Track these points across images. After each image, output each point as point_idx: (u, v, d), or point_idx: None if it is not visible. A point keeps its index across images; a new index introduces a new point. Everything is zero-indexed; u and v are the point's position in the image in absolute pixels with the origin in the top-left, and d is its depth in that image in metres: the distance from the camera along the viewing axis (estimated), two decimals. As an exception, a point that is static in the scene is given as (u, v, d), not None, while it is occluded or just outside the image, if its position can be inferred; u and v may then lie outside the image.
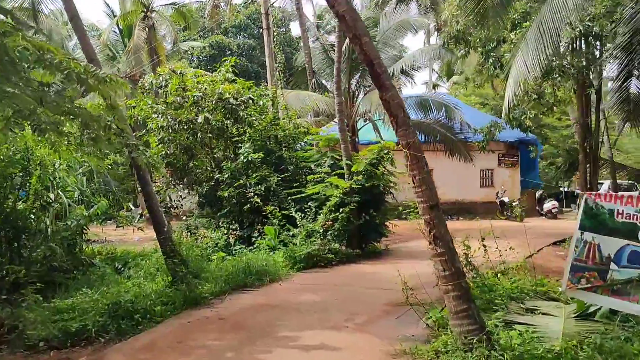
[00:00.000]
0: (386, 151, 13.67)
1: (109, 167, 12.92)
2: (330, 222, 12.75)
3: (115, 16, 29.59)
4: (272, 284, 9.98)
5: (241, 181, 13.40)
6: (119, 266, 12.38)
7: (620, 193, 5.03)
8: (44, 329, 6.68)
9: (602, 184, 21.54)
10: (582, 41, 14.27)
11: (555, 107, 16.92)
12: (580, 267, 5.12)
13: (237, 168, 13.73)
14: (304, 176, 14.62)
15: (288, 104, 17.19)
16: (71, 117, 7.49)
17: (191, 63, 31.71)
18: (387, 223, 14.39)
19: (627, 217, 4.89)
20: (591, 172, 16.46)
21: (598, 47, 15.11)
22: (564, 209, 29.78)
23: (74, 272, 10.35)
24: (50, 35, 21.68)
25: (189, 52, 34.01)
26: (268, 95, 15.70)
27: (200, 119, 13.62)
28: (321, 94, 20.60)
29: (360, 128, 21.08)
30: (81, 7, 10.92)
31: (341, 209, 12.63)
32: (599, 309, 6.41)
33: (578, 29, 11.97)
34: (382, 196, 14.03)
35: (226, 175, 13.72)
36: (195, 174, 15.07)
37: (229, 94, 14.17)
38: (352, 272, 11.33)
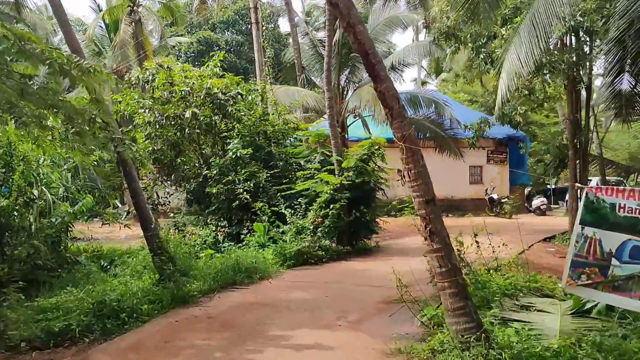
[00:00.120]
0: (377, 147, 13.53)
1: (95, 163, 12.71)
2: (321, 219, 12.60)
3: (101, 10, 29.13)
4: (262, 281, 9.79)
5: (230, 177, 13.21)
6: (105, 264, 12.20)
7: (621, 187, 4.90)
8: (26, 329, 6.46)
9: (590, 180, 21.59)
10: (573, 37, 14.19)
11: (545, 104, 16.81)
12: (580, 263, 4.98)
13: (225, 164, 13.52)
14: (293, 172, 14.46)
15: (277, 99, 16.99)
16: (54, 110, 7.28)
17: (178, 59, 31.27)
18: (377, 220, 14.24)
19: (629, 211, 4.76)
20: (581, 169, 16.43)
21: (588, 42, 15.04)
22: (552, 206, 29.93)
23: (59, 270, 10.16)
24: (34, 30, 21.29)
25: (176, 48, 33.61)
26: (257, 90, 15.49)
27: (188, 114, 13.39)
28: (310, 89, 20.41)
29: (350, 124, 20.93)
30: (66, 2, 10.66)
31: (331, 206, 12.48)
32: (596, 305, 6.31)
33: (569, 24, 11.86)
34: (373, 192, 13.90)
35: (214, 172, 13.50)
36: (183, 170, 14.83)
37: (218, 88, 13.95)
38: (343, 269, 11.18)
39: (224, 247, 12.48)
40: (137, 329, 6.89)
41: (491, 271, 8.65)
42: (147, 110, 13.95)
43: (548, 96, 16.60)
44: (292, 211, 12.95)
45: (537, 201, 26.52)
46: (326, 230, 12.47)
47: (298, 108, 18.98)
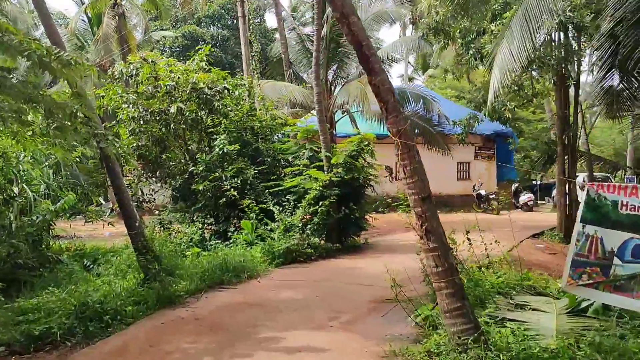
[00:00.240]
0: (366, 143, 13.36)
1: (77, 159, 12.46)
2: (309, 216, 12.41)
3: (83, 4, 28.57)
4: (250, 280, 9.56)
5: (216, 174, 12.95)
6: (88, 263, 11.94)
7: (624, 184, 4.75)
8: (5, 332, 6.22)
9: (577, 176, 21.64)
10: (562, 32, 14.13)
11: (534, 99, 16.77)
12: (581, 262, 4.82)
13: (212, 160, 13.26)
14: (281, 169, 14.24)
15: (264, 94, 16.73)
16: (34, 104, 7.00)
17: (163, 53, 30.79)
18: (366, 216, 14.08)
19: (632, 209, 4.61)
20: (569, 164, 16.44)
21: (576, 38, 15.00)
22: (538, 202, 30.03)
23: (40, 269, 9.92)
24: (15, 23, 20.82)
25: (160, 42, 33.07)
26: (244, 85, 15.21)
27: (173, 109, 13.07)
28: (298, 85, 20.17)
29: (338, 120, 20.74)
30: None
31: (320, 202, 12.28)
32: (591, 304, 6.20)
33: (559, 19, 11.78)
34: (362, 189, 13.73)
35: (201, 168, 13.23)
36: (169, 166, 14.52)
37: (204, 83, 13.66)
38: (333, 267, 10.99)
39: (211, 245, 12.24)
40: (121, 331, 6.64)
41: (482, 269, 8.54)
42: (131, 106, 13.61)
43: (536, 92, 16.58)
44: (281, 208, 12.75)
45: (525, 197, 26.55)
46: (315, 227, 12.28)
47: (285, 103, 18.76)
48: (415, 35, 24.22)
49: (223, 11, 37.41)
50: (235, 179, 12.86)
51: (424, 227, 5.16)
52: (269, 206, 12.70)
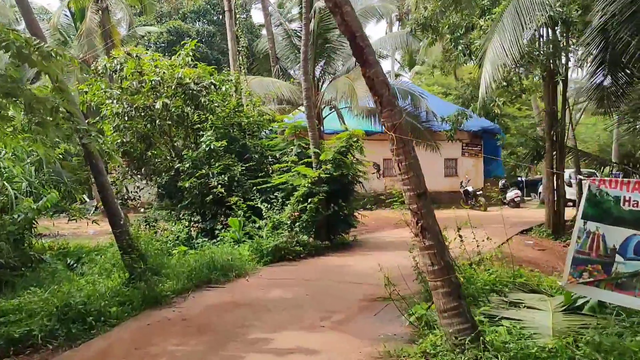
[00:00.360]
0: (355, 139, 13.20)
1: (60, 156, 12.20)
2: (298, 213, 12.23)
3: (66, -2, 28.05)
4: (239, 279, 9.36)
5: (203, 171, 12.72)
6: (72, 262, 11.67)
7: (626, 179, 4.62)
8: (-16, 335, 5.95)
9: (563, 173, 21.70)
10: (551, 28, 14.08)
11: (523, 95, 16.75)
12: (582, 260, 4.68)
13: (198, 157, 13.02)
14: (269, 165, 14.04)
15: (251, 90, 16.51)
16: (13, 99, 6.75)
17: (148, 49, 30.38)
18: (355, 213, 13.94)
19: (635, 205, 4.47)
20: (557, 160, 16.44)
21: (565, 34, 14.97)
22: (525, 198, 30.14)
23: (22, 269, 9.63)
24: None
25: (145, 38, 32.64)
26: (231, 80, 14.96)
27: (158, 105, 12.82)
28: (285, 81, 19.97)
29: (326, 117, 20.62)
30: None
31: (309, 200, 12.11)
32: (587, 301, 6.10)
33: (549, 14, 11.72)
34: (351, 186, 13.58)
35: (187, 165, 12.98)
36: (154, 163, 14.24)
37: (190, 78, 13.40)
38: (322, 265, 10.83)
39: (198, 243, 12.00)
40: (105, 334, 6.39)
41: (474, 266, 8.44)
42: (115, 101, 13.31)
43: (524, 88, 16.55)
44: (269, 205, 12.54)
45: (512, 193, 26.63)
46: (304, 225, 12.11)
47: (273, 100, 18.55)
48: (403, 32, 24.17)
49: (209, 6, 37.02)
50: (222, 176, 12.65)
51: (419, 224, 5.01)
52: (257, 203, 12.50)
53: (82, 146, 8.31)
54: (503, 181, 29.60)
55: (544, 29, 14.70)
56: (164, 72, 13.31)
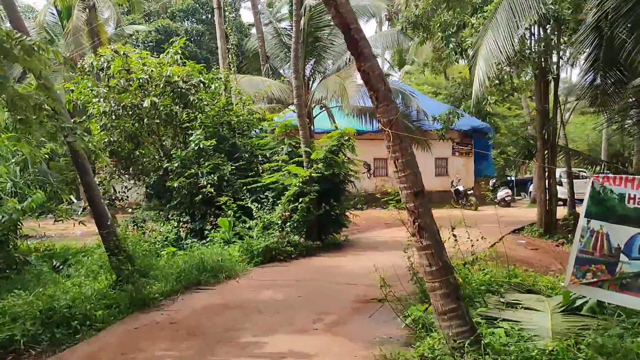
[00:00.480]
0: (346, 138, 13.04)
1: (46, 156, 11.95)
2: (289, 213, 12.05)
3: (52, -5, 27.62)
4: (229, 281, 9.15)
5: (192, 170, 12.50)
6: (58, 264, 11.39)
7: (632, 176, 4.47)
8: (-36, 341, 5.71)
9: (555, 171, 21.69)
10: (544, 25, 14.00)
11: (515, 93, 16.68)
12: (586, 260, 4.53)
13: (187, 156, 12.79)
14: (259, 165, 13.84)
15: (241, 89, 16.29)
16: (-6, 96, 6.51)
17: (136, 48, 30.05)
18: (347, 213, 13.77)
19: (640, 203, 4.36)
20: (549, 159, 16.40)
21: (556, 32, 14.91)
22: (515, 197, 30.17)
23: (7, 271, 9.43)
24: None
25: (133, 37, 32.26)
26: (220, 79, 14.73)
27: (146, 103, 12.58)
28: (275, 79, 19.78)
29: (316, 116, 20.45)
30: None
31: (300, 199, 11.93)
32: (586, 302, 5.97)
33: (541, 12, 11.63)
34: (343, 185, 13.42)
35: (176, 164, 12.75)
36: (142, 163, 13.99)
37: (178, 77, 13.16)
38: (314, 266, 10.65)
39: (187, 244, 11.77)
40: (91, 338, 6.16)
41: (467, 265, 8.32)
42: (102, 100, 13.05)
43: (515, 87, 16.49)
44: (259, 205, 12.35)
45: (502, 193, 26.61)
46: (295, 224, 11.94)
47: (263, 99, 18.36)
48: (392, 31, 24.03)
49: (197, 5, 36.73)
50: (212, 176, 12.43)
51: (416, 223, 4.85)
52: (247, 203, 12.30)
53: (67, 145, 8.07)
54: (493, 180, 29.60)
55: (536, 27, 14.65)
56: (152, 70, 13.07)
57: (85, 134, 8.21)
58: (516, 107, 35.06)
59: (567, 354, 4.73)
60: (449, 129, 18.95)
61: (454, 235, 7.61)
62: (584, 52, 10.80)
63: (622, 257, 4.39)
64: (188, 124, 13.23)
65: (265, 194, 12.70)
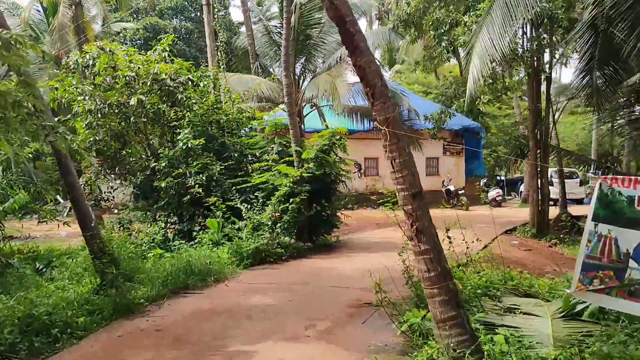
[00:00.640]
0: (338, 137, 12.80)
1: (30, 156, 11.65)
2: (279, 214, 11.80)
3: (37, -8, 27.09)
4: (217, 284, 8.86)
5: (180, 170, 12.20)
6: (41, 266, 11.05)
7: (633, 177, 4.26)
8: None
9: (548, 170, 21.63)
10: (537, 24, 13.86)
11: (509, 92, 16.54)
12: (593, 266, 4.31)
13: (175, 156, 12.48)
14: (249, 164, 13.56)
15: (230, 87, 16.00)
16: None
17: (123, 46, 29.61)
18: (338, 214, 13.54)
19: (650, 205, 4.14)
20: (541, 159, 16.28)
21: (549, 31, 14.78)
22: (505, 197, 30.13)
23: (-12, 274, 9.03)
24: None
25: (121, 35, 31.81)
26: (209, 77, 14.43)
27: (133, 101, 12.24)
28: (265, 77, 19.51)
29: (306, 115, 20.21)
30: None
31: (291, 199, 11.68)
32: (587, 307, 5.78)
33: (535, 10, 11.48)
34: (334, 185, 13.19)
35: (163, 164, 12.44)
36: (129, 162, 13.65)
37: (166, 74, 12.84)
38: (306, 268, 10.39)
39: (175, 245, 11.48)
40: (72, 347, 5.86)
41: (461, 267, 8.13)
42: (87, 98, 12.70)
43: (507, 86, 16.36)
44: (249, 206, 12.09)
45: (493, 193, 26.54)
46: (285, 225, 11.69)
47: (252, 97, 18.07)
48: (383, 29, 23.83)
49: (186, 3, 36.34)
50: (200, 176, 12.14)
51: (414, 226, 4.62)
52: (236, 204, 12.03)
53: (49, 144, 7.78)
54: (485, 180, 29.54)
55: (528, 26, 14.51)
56: (138, 68, 12.75)
57: (68, 133, 7.92)
58: (506, 106, 35.07)
59: (572, 363, 4.54)
60: (440, 128, 18.79)
61: (448, 237, 7.42)
62: (579, 51, 10.64)
63: (631, 263, 4.17)
64: (176, 123, 12.91)
65: (255, 194, 12.44)
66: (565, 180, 19.41)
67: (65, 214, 15.12)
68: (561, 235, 15.95)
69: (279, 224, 11.68)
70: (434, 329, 4.86)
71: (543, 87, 16.65)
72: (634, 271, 4.13)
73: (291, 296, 7.95)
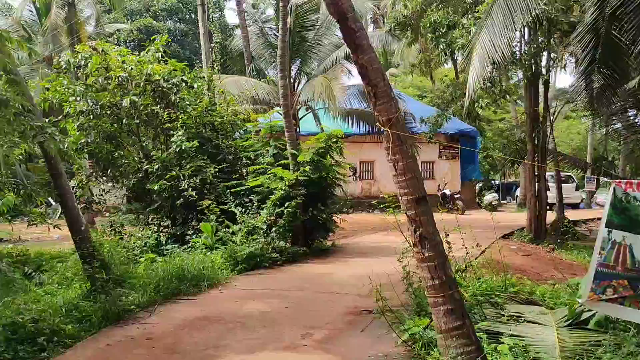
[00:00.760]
0: (334, 140, 12.61)
1: (20, 157, 11.39)
2: (274, 218, 11.57)
3: (30, -8, 26.80)
4: (211, 290, 8.61)
5: (173, 173, 11.97)
6: (30, 271, 10.79)
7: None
8: None
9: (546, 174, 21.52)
10: (536, 27, 13.73)
11: (507, 96, 16.41)
12: (607, 274, 4.11)
13: (168, 158, 12.27)
14: (244, 167, 13.32)
15: (225, 89, 15.78)
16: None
17: (116, 46, 29.35)
18: (334, 218, 13.34)
19: (666, 212, 3.96)
20: (539, 163, 16.14)
21: (547, 34, 14.67)
22: (501, 201, 30.06)
23: (-25, 278, 8.79)
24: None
25: (114, 36, 31.54)
26: (203, 78, 14.22)
27: (125, 103, 12.02)
28: (260, 79, 19.31)
29: (301, 118, 20.05)
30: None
31: (287, 203, 11.46)
32: (593, 315, 5.59)
33: (537, 11, 11.33)
34: (330, 189, 13.00)
35: (156, 166, 12.21)
36: (121, 164, 13.37)
37: (159, 75, 12.61)
38: (301, 274, 10.17)
39: (167, 250, 11.22)
40: (58, 357, 5.60)
41: (460, 273, 7.93)
42: (79, 99, 12.46)
43: (505, 90, 16.24)
44: (243, 209, 11.85)
45: (489, 197, 26.49)
46: (281, 230, 11.46)
47: (247, 99, 17.86)
48: (379, 32, 23.73)
49: (181, 5, 36.14)
50: (194, 178, 11.90)
51: (417, 233, 4.41)
52: (231, 207, 11.80)
53: (38, 145, 7.55)
54: (480, 184, 29.48)
55: (526, 30, 14.40)
56: (131, 68, 12.52)
57: (57, 134, 7.69)
58: (501, 110, 35.02)
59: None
60: (436, 132, 18.66)
61: (448, 242, 7.22)
62: (579, 54, 10.50)
63: (647, 272, 3.98)
64: (169, 125, 12.67)
65: (250, 197, 12.21)
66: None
67: (57, 216, 14.86)
68: (559, 240, 15.80)
69: (274, 228, 11.46)
70: (438, 339, 4.64)
71: (540, 90, 16.54)
72: (650, 280, 3.94)
73: (287, 303, 7.72)
